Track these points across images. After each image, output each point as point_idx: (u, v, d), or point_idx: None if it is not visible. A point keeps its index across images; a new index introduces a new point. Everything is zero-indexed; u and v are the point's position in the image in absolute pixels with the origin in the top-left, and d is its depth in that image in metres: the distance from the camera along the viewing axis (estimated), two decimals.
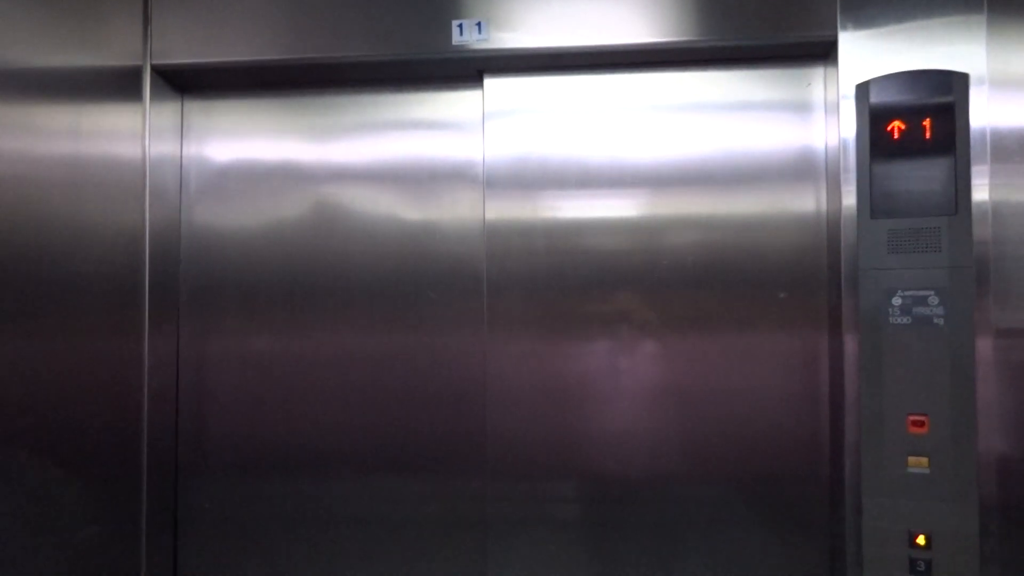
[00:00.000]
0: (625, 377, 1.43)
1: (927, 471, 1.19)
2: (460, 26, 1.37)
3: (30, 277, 1.12)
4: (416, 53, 1.39)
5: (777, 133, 1.41)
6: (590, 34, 1.36)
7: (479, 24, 1.37)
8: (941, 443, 1.19)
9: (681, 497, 1.41)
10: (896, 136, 1.23)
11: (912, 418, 1.21)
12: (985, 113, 1.22)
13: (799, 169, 1.40)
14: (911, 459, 1.20)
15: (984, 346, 1.20)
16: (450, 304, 1.48)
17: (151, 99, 1.45)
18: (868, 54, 1.27)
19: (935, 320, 1.20)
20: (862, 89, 1.26)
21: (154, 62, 1.44)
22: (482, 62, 1.43)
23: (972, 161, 1.21)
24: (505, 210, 1.46)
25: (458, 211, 1.49)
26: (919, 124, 1.22)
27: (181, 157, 1.55)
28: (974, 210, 1.20)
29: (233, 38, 1.42)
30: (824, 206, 1.38)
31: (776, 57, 1.39)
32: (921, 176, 1.21)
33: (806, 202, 1.39)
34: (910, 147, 1.22)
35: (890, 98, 1.24)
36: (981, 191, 1.21)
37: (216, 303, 1.53)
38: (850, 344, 1.26)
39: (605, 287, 1.43)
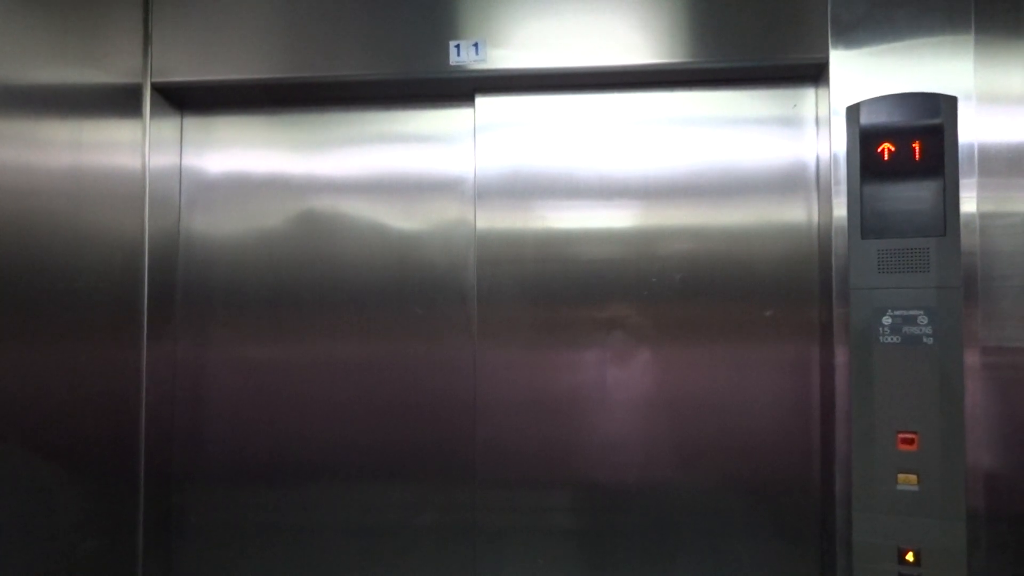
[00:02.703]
0: (616, 388, 1.44)
1: (916, 488, 1.21)
2: (457, 47, 1.39)
3: (31, 286, 1.13)
4: (413, 72, 1.41)
5: (767, 153, 1.42)
6: (587, 55, 1.38)
7: (476, 45, 1.38)
8: (930, 461, 1.21)
9: (671, 508, 1.42)
10: (886, 158, 1.24)
11: (902, 435, 1.22)
12: (973, 130, 1.24)
13: (788, 189, 1.41)
14: (900, 476, 1.22)
15: (972, 363, 1.22)
16: (441, 314, 1.50)
17: (151, 115, 1.47)
18: (859, 74, 1.29)
19: (924, 339, 1.21)
20: (852, 111, 1.27)
21: (154, 80, 1.45)
22: (478, 82, 1.44)
23: (960, 176, 1.22)
24: (496, 221, 1.48)
25: (450, 222, 1.51)
26: (908, 146, 1.23)
27: (180, 172, 1.56)
28: (962, 225, 1.22)
29: (233, 57, 1.44)
30: (815, 224, 1.40)
31: (768, 78, 1.41)
32: (910, 197, 1.23)
33: (798, 219, 1.41)
34: (899, 169, 1.24)
35: (880, 120, 1.25)
36: (969, 204, 1.23)
37: (213, 313, 1.55)
38: (841, 359, 1.28)
39: (596, 298, 1.44)
